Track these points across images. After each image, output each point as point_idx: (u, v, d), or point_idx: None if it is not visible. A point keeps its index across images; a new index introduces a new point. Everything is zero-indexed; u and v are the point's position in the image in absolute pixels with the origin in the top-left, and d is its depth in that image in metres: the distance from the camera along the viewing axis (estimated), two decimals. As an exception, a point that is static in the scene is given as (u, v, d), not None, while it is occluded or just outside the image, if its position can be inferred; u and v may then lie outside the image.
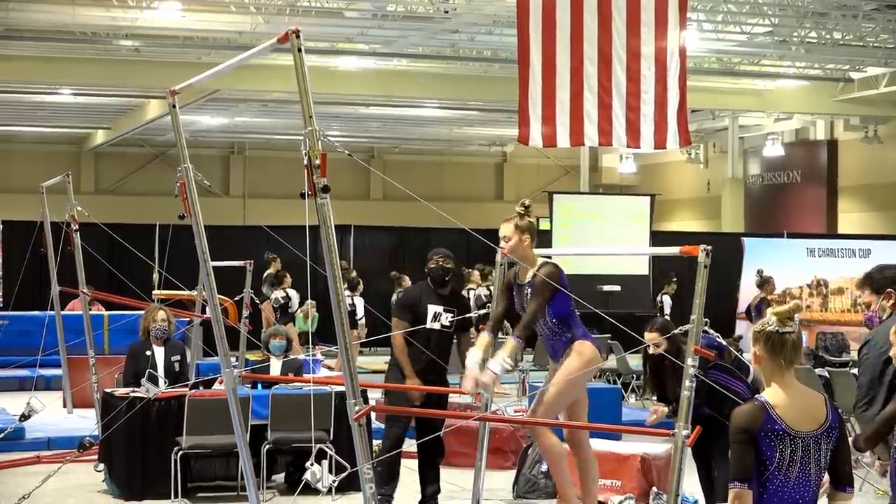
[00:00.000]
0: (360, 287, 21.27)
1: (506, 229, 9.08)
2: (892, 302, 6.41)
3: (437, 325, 10.69)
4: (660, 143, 15.01)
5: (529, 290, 8.82)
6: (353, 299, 20.40)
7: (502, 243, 8.97)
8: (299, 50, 6.60)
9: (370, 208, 38.66)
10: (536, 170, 45.05)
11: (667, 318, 22.35)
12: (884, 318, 6.42)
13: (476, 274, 21.76)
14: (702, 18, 23.88)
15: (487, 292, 20.39)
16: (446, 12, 23.42)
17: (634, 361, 19.34)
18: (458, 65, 28.61)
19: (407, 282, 22.01)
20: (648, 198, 28.75)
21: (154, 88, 28.79)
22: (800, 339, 5.32)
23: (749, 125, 37.25)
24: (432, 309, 10.72)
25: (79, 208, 15.02)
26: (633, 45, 14.64)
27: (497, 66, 27.26)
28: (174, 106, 8.78)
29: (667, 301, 23.42)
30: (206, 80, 8.12)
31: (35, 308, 21.06)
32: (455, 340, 10.92)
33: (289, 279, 20.78)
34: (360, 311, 20.63)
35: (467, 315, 10.84)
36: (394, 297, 19.88)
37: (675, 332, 8.77)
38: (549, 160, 43.51)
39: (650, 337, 9.43)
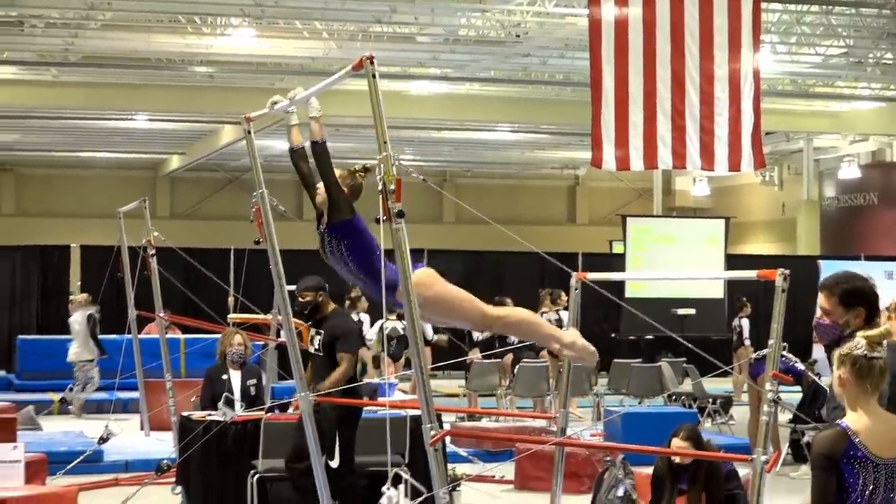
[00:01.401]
0: None
1: None
2: (860, 320, 6.11)
3: (311, 349, 10.77)
4: (734, 165, 14.95)
5: None
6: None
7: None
8: (374, 76, 6.61)
9: (443, 232, 38.65)
10: (609, 193, 44.91)
11: (746, 341, 22.10)
12: (846, 333, 6.08)
13: (548, 300, 21.61)
14: (775, 40, 23.74)
15: (557, 316, 20.23)
16: (518, 36, 23.45)
17: (710, 385, 19.23)
18: (531, 88, 28.62)
19: None
20: (723, 221, 28.59)
21: (228, 114, 29.00)
22: (886, 364, 5.23)
23: (824, 147, 36.92)
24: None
25: (155, 233, 15.13)
26: (707, 67, 14.60)
27: (569, 89, 27.24)
28: (249, 132, 8.85)
29: (745, 324, 23.21)
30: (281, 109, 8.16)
31: (112, 332, 21.22)
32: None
33: (364, 303, 20.75)
34: (430, 333, 20.56)
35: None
36: None
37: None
38: (622, 183, 43.35)
39: (677, 444, 9.42)
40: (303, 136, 8.25)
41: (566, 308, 20.43)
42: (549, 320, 21.31)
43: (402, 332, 19.90)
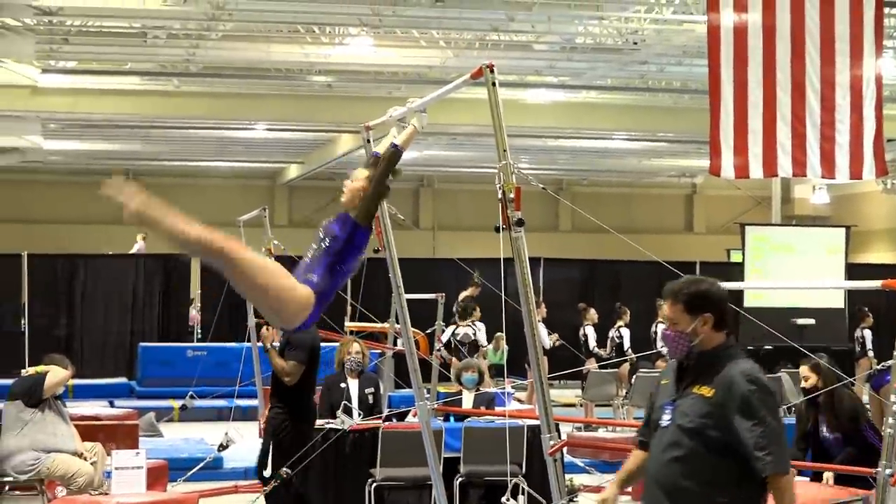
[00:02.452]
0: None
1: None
2: (708, 327, 5.76)
3: None
4: (856, 173, 14.70)
5: None
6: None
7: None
8: (493, 84, 6.60)
9: (560, 240, 38.60)
10: (727, 201, 44.51)
11: (869, 352, 21.90)
12: (694, 342, 5.74)
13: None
14: (898, 45, 23.41)
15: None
16: (635, 43, 23.34)
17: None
18: (648, 96, 28.49)
19: (593, 314, 21.90)
20: (843, 229, 28.18)
21: (346, 123, 29.18)
22: None
23: (949, 153, 36.29)
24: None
25: (275, 241, 15.28)
26: (828, 73, 14.38)
27: (687, 97, 27.07)
28: (368, 141, 8.89)
29: (867, 335, 22.86)
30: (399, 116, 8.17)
31: (232, 340, 21.46)
32: None
33: (478, 312, 20.74)
34: (547, 342, 20.58)
35: None
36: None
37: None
38: (740, 191, 42.94)
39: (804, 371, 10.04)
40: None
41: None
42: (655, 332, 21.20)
43: (472, 337, 19.97)
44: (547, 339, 20.57)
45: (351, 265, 7.18)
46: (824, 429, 10.95)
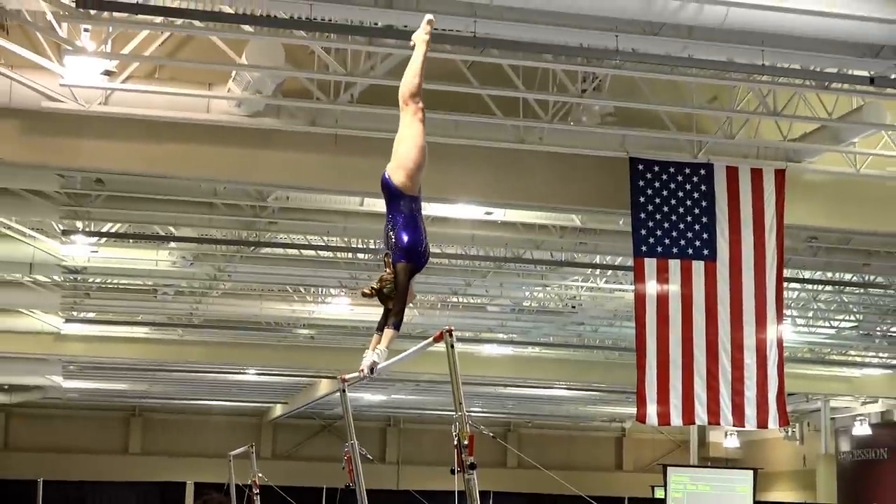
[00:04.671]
0: None
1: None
2: None
3: None
4: (762, 422, 14.68)
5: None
6: None
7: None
8: (451, 346, 6.58)
9: (507, 476, 38.08)
10: (651, 443, 44.32)
11: None
12: None
13: None
14: (795, 314, 23.66)
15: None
16: (573, 307, 23.54)
17: None
18: (584, 352, 28.56)
19: None
20: (751, 471, 28.04)
21: (325, 369, 29.14)
22: None
23: (840, 407, 36.39)
24: None
25: (259, 475, 15.01)
26: (737, 337, 14.51)
27: (617, 353, 27.14)
28: (344, 391, 8.82)
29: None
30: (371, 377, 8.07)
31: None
32: None
33: None
34: None
35: None
36: None
37: None
38: (663, 435, 42.79)
39: None
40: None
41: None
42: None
43: None
44: None
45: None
46: None
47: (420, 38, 7.53)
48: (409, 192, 7.32)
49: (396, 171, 7.34)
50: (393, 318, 7.26)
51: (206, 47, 12.44)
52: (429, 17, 7.60)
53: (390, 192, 7.34)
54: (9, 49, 12.18)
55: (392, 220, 7.27)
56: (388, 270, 7.27)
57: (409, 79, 7.51)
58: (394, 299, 7.26)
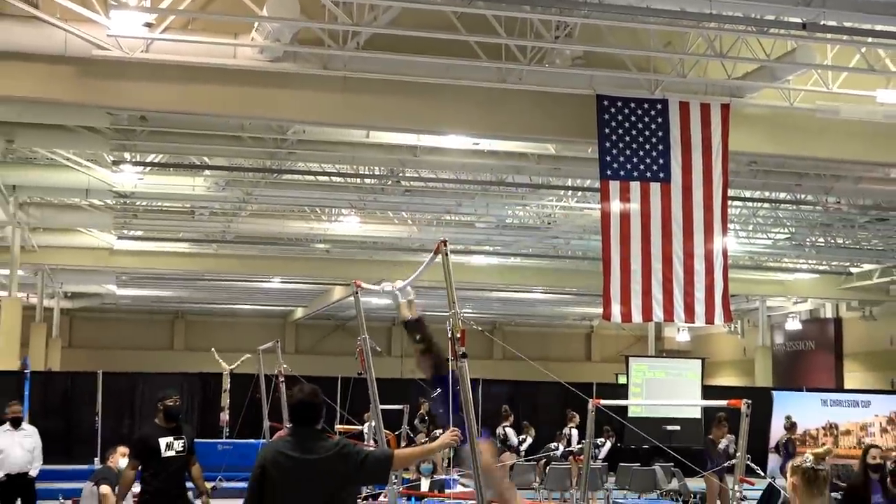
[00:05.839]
0: (511, 419, 20.32)
1: None
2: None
3: (171, 453, 9.33)
4: (709, 319, 14.74)
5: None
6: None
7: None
8: (446, 255, 6.61)
9: (494, 366, 38.40)
10: (616, 338, 44.62)
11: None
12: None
13: (576, 416, 20.66)
14: (738, 228, 23.69)
15: (569, 432, 19.67)
16: (549, 224, 23.55)
17: (693, 484, 18.73)
18: (558, 262, 28.64)
19: (511, 418, 20.74)
20: (700, 361, 28.18)
21: (338, 278, 29.18)
22: (828, 475, 5.00)
23: (774, 307, 36.64)
24: (163, 441, 9.33)
25: (285, 366, 15.12)
26: (688, 247, 14.51)
27: (586, 262, 27.23)
28: (357, 293, 8.86)
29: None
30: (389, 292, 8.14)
31: (252, 437, 21.05)
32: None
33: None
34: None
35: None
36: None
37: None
38: (625, 332, 43.06)
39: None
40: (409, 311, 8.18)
41: (577, 426, 19.91)
42: (565, 433, 20.32)
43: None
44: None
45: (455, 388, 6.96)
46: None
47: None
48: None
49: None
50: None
51: (232, 2, 12.32)
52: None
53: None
54: (63, 4, 12.06)
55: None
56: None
57: None
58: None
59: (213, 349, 25.31)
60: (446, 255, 6.56)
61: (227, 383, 24.07)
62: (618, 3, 11.38)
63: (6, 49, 12.27)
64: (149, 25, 12.05)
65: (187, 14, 12.37)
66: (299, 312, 41.72)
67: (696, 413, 25.92)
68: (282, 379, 15.06)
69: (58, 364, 34.37)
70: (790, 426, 19.29)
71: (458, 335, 6.40)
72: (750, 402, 7.37)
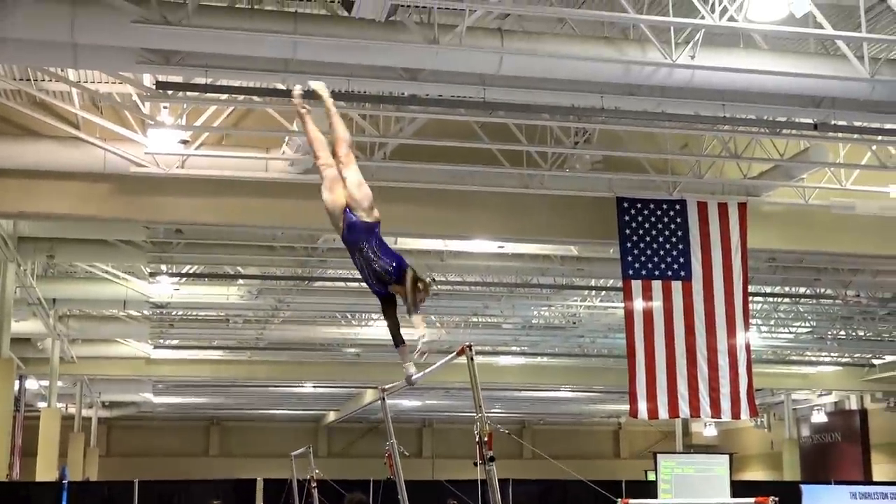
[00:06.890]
0: None
1: None
2: None
3: None
4: (735, 414, 14.56)
5: None
6: None
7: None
8: (471, 359, 6.57)
9: (523, 465, 37.83)
10: (644, 434, 44.01)
11: None
12: None
13: None
14: (760, 323, 23.53)
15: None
16: (574, 323, 23.46)
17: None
18: (584, 360, 28.45)
19: None
20: (727, 456, 27.71)
21: (369, 382, 29.04)
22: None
23: (799, 399, 36.17)
24: None
25: (317, 471, 14.95)
26: (712, 343, 14.41)
27: (612, 360, 27.01)
28: (383, 399, 8.80)
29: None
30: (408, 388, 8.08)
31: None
32: None
33: None
34: None
35: None
36: None
37: None
38: (653, 428, 42.47)
39: None
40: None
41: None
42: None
43: None
44: None
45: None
46: None
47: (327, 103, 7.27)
48: (377, 221, 7.06)
49: (368, 211, 7.06)
50: (415, 308, 7.31)
51: (263, 118, 12.53)
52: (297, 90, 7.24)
53: (366, 228, 7.03)
54: (102, 125, 12.30)
55: (369, 252, 7.03)
56: (401, 287, 7.12)
57: (346, 133, 7.17)
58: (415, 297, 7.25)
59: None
60: (471, 359, 6.52)
61: (260, 490, 23.81)
62: (634, 109, 11.50)
63: (49, 168, 12.50)
64: (184, 142, 12.26)
65: (220, 130, 12.60)
66: (331, 416, 41.46)
67: (727, 509, 25.40)
68: (314, 484, 14.87)
69: (95, 473, 34.16)
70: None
71: (486, 439, 6.32)
72: (777, 499, 7.23)
